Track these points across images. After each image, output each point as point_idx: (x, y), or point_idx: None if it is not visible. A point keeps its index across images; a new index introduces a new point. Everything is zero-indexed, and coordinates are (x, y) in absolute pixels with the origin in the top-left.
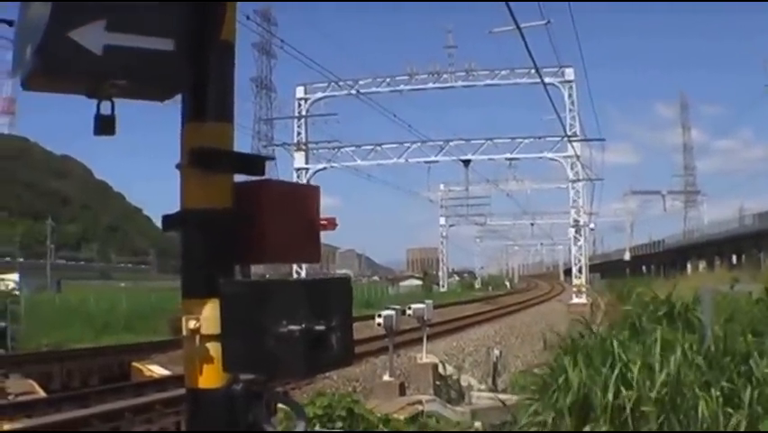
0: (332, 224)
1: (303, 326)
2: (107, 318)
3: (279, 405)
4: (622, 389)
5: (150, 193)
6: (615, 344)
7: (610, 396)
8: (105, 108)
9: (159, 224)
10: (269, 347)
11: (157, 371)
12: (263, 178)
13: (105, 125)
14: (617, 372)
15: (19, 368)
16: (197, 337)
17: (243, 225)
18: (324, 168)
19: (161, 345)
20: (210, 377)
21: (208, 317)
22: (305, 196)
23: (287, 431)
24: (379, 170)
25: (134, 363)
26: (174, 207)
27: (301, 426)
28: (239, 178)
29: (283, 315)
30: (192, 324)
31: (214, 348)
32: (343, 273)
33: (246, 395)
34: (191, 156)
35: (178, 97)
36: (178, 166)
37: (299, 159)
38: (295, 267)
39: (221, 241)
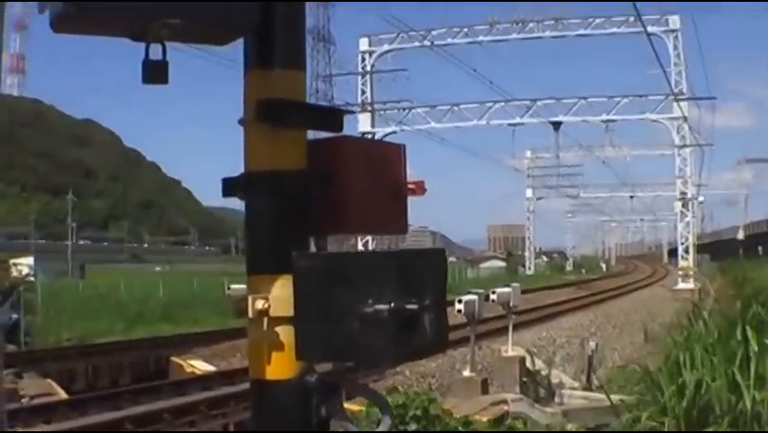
0: (421, 188)
1: (392, 305)
2: (141, 307)
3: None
4: (755, 393)
5: (189, 163)
6: (750, 335)
7: (748, 402)
8: (155, 53)
9: (201, 197)
10: (352, 330)
11: (200, 366)
12: (342, 134)
13: (155, 72)
14: (753, 372)
15: (35, 366)
16: (265, 320)
17: (319, 189)
18: (394, 132)
19: (205, 337)
20: (280, 366)
21: (279, 296)
22: (389, 155)
23: (369, 432)
24: (455, 134)
25: (173, 358)
26: (225, 175)
27: (386, 422)
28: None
29: (368, 292)
30: (259, 304)
31: (284, 332)
32: None
33: (321, 387)
34: (257, 109)
35: (238, 42)
36: (240, 121)
37: (364, 121)
38: (360, 245)
39: (293, 207)
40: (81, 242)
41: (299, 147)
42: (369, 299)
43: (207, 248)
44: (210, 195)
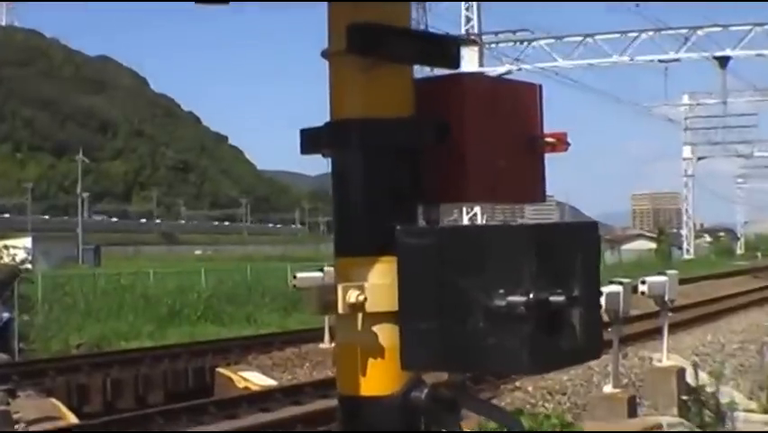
0: (563, 142)
1: (530, 296)
2: (176, 303)
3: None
4: None
5: (239, 116)
6: None
7: None
8: None
9: (255, 159)
10: (476, 330)
11: (255, 380)
12: (459, 71)
13: None
14: None
15: (34, 381)
16: (360, 317)
17: (431, 143)
18: (508, 71)
19: (262, 342)
20: (379, 378)
21: (378, 285)
22: (522, 98)
23: None
24: (589, 73)
25: (220, 370)
26: (286, 140)
27: None
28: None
29: (499, 279)
30: (352, 297)
31: (385, 333)
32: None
33: (434, 405)
34: (348, 37)
35: None
36: (324, 54)
37: (470, 58)
38: (465, 217)
39: (396, 168)
40: (96, 217)
41: (404, 88)
42: (499, 288)
43: (265, 225)
44: (266, 156)
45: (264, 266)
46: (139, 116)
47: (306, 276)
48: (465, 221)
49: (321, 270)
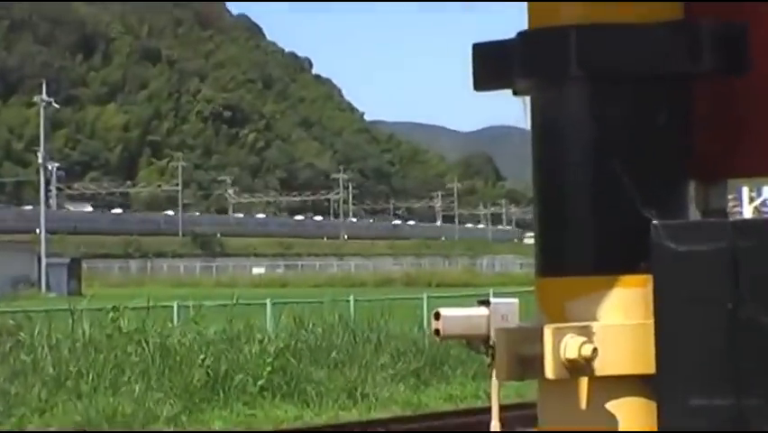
0: None
1: None
2: (219, 363)
3: None
4: None
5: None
6: None
7: None
8: None
9: (359, 104)
10: None
11: None
12: None
13: None
14: None
15: None
16: (584, 384)
17: (716, 74)
18: None
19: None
20: None
21: (618, 328)
22: None
23: None
24: None
25: None
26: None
27: None
28: None
29: None
30: (572, 347)
31: (633, 414)
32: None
33: None
34: None
35: None
36: None
37: None
38: (747, 207)
39: (651, 115)
40: (72, 207)
41: None
42: None
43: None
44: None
45: (378, 295)
46: (147, 20)
47: (460, 314)
48: (747, 211)
49: (484, 303)
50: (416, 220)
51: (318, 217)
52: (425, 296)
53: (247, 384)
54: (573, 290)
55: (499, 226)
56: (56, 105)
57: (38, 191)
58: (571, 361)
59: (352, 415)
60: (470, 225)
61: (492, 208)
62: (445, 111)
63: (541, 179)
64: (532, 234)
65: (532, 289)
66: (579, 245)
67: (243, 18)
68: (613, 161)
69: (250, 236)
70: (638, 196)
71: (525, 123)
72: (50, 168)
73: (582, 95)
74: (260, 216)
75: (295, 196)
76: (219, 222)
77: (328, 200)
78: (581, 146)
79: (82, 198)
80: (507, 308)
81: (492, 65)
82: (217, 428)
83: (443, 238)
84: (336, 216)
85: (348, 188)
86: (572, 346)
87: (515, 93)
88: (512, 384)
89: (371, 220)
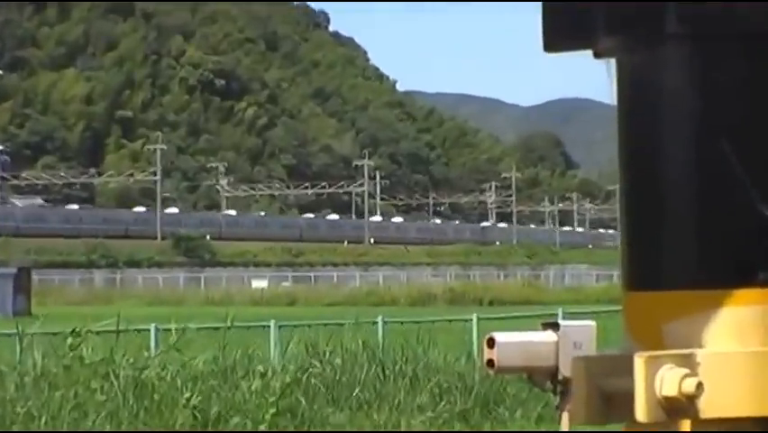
0: None
1: None
2: (210, 402)
3: None
4: None
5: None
6: None
7: None
8: None
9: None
10: None
11: None
12: None
13: None
14: None
15: None
16: (685, 427)
17: None
18: None
19: None
20: None
21: (727, 356)
22: None
23: None
24: None
25: None
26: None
27: None
28: None
29: None
30: (670, 382)
31: None
32: None
33: None
34: None
35: None
36: None
37: None
38: None
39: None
40: (19, 201)
41: None
42: None
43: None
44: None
45: (413, 316)
46: None
47: (520, 340)
48: None
49: (551, 326)
50: (461, 219)
51: (336, 216)
52: (474, 317)
53: (245, 430)
54: (672, 308)
55: (569, 228)
56: None
57: None
58: (669, 399)
59: None
60: (532, 226)
61: (560, 204)
62: (501, 79)
63: (630, 165)
64: (613, 235)
65: (615, 308)
66: (680, 251)
67: None
68: (723, 142)
69: (248, 240)
70: (756, 187)
71: (609, 93)
72: None
73: (683, 56)
74: (261, 214)
75: (306, 188)
76: (208, 221)
77: (349, 194)
78: (682, 122)
79: (32, 191)
80: (581, 333)
81: (568, 21)
82: None
83: (497, 243)
84: (360, 214)
85: (375, 178)
86: (671, 381)
87: (596, 55)
88: (590, 429)
89: (404, 219)
